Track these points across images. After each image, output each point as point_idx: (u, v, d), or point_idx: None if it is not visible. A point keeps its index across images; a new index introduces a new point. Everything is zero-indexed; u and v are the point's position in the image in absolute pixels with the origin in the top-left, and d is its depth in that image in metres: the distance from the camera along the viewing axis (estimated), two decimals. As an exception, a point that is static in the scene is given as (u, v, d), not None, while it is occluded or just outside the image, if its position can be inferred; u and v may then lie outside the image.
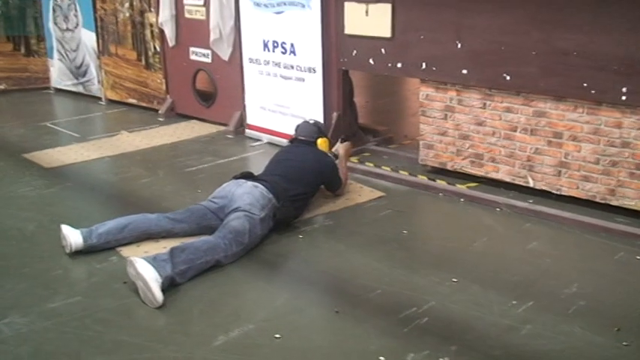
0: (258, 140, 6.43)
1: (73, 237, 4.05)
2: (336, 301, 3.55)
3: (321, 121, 5.76)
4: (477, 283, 3.69)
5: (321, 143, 4.97)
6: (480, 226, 4.49)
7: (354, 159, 5.77)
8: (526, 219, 4.56)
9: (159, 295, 3.47)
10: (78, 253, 4.05)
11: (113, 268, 3.89)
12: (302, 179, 4.56)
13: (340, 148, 5.15)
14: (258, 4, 6.06)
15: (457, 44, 4.91)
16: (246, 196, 4.18)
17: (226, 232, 3.96)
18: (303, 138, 4.97)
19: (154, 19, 7.22)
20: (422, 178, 5.31)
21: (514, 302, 3.49)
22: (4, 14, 8.66)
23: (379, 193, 5.04)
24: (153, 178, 5.52)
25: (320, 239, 4.30)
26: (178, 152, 6.21)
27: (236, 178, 4.47)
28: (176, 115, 7.40)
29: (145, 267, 3.53)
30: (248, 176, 4.47)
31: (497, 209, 4.73)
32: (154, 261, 3.59)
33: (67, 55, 8.48)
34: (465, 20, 4.84)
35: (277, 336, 3.20)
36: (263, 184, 4.31)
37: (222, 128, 6.84)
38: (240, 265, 3.92)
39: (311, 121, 5.10)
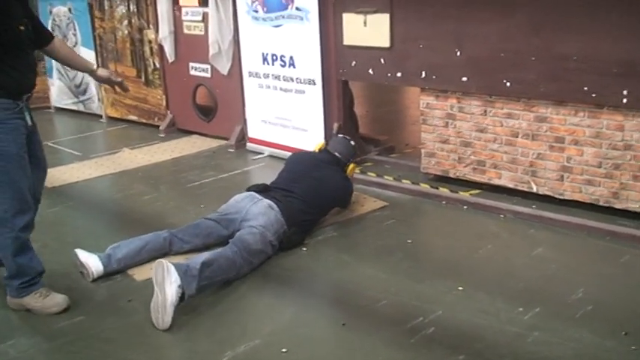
0: (259, 153, 6.43)
1: (94, 264, 3.95)
2: (343, 313, 3.54)
3: (322, 132, 5.76)
4: (483, 291, 3.68)
5: (351, 169, 4.94)
6: (484, 233, 4.48)
7: (356, 169, 5.75)
8: (530, 225, 4.55)
9: (168, 322, 3.39)
10: (78, 277, 4.04)
11: (117, 286, 3.89)
12: (320, 205, 4.52)
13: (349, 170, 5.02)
14: (256, 19, 6.07)
15: (456, 52, 4.91)
16: (261, 218, 4.12)
17: (242, 249, 3.90)
18: (337, 155, 4.88)
19: (152, 36, 7.24)
20: (424, 187, 5.30)
21: (521, 309, 3.48)
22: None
23: (382, 203, 5.03)
24: (156, 194, 5.52)
25: (324, 251, 4.29)
26: (180, 168, 6.21)
27: (250, 190, 4.41)
28: (177, 130, 7.40)
29: (172, 287, 3.38)
30: (263, 190, 4.39)
31: (501, 216, 4.71)
32: (184, 275, 3.45)
33: (66, 74, 8.50)
34: (464, 28, 4.85)
35: (284, 350, 3.18)
36: (278, 206, 4.22)
37: (223, 142, 6.84)
38: (244, 280, 3.90)
39: (351, 142, 5.01)
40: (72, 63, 4.05)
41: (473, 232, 4.52)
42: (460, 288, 3.71)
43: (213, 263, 3.68)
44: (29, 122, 3.59)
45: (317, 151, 5.02)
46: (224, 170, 6.05)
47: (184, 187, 5.67)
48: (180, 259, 3.88)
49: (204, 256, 3.72)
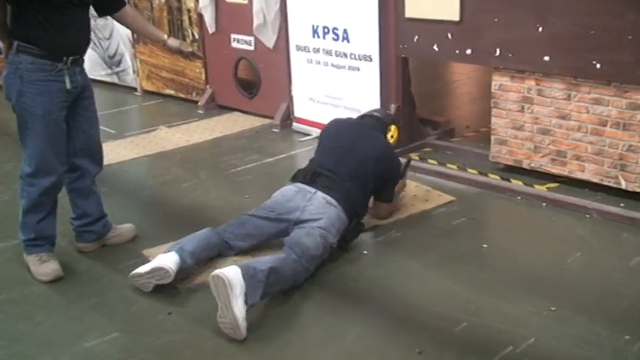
0: (307, 135, 5.89)
1: (169, 259, 3.40)
2: (416, 337, 3.03)
3: (378, 114, 5.21)
4: (580, 312, 3.14)
5: (394, 130, 4.41)
6: (570, 237, 3.92)
7: (414, 155, 5.21)
8: (622, 227, 3.98)
9: (244, 334, 3.02)
10: (112, 280, 3.58)
11: (154, 296, 3.40)
12: (374, 181, 3.93)
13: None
14: (306, -14, 5.51)
15: (538, 27, 4.30)
16: (322, 219, 3.60)
17: (301, 255, 3.41)
18: (377, 114, 4.35)
19: (192, 5, 6.70)
20: (495, 178, 4.74)
21: (627, 337, 2.95)
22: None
23: (448, 197, 4.49)
24: (195, 181, 5.03)
25: (388, 256, 3.77)
26: (221, 150, 5.71)
27: (296, 180, 3.89)
28: (217, 106, 6.88)
29: (239, 301, 3.00)
30: (312, 179, 3.82)
31: (587, 216, 4.15)
32: (250, 279, 3.06)
33: (100, 44, 8.01)
34: (546, 1, 4.24)
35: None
36: (337, 200, 3.70)
37: (266, 121, 6.31)
38: (300, 292, 3.41)
39: (388, 111, 4.56)
40: (143, 31, 4.04)
41: (556, 235, 3.96)
42: (552, 308, 3.18)
43: (279, 271, 3.25)
44: (68, 86, 3.45)
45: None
46: (269, 154, 5.53)
47: (226, 172, 5.17)
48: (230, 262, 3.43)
49: (271, 261, 3.28)
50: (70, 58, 3.44)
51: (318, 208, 3.65)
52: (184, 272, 3.48)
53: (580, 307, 3.18)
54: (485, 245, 3.83)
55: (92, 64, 8.21)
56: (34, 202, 3.55)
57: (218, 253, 3.68)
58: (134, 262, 3.72)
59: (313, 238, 3.49)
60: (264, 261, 3.27)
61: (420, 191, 4.60)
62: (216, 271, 3.03)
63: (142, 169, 5.37)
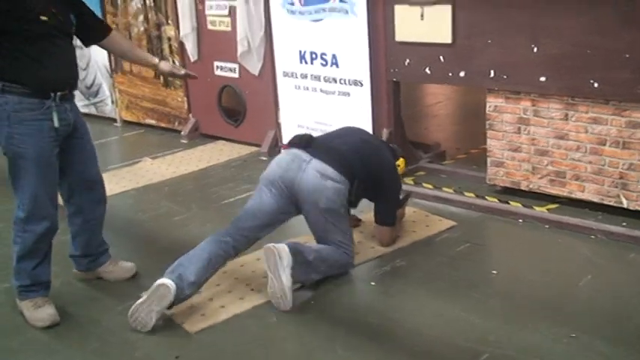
0: (296, 162, 5.78)
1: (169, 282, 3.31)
2: (437, 372, 2.93)
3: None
4: (600, 338, 3.07)
5: (402, 162, 4.42)
6: (577, 259, 3.86)
7: (408, 180, 5.14)
8: (628, 247, 3.93)
9: (290, 304, 3.39)
10: (112, 323, 3.44)
11: (158, 339, 3.26)
12: (369, 170, 3.83)
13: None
14: (292, 12, 5.43)
15: (533, 48, 4.28)
16: (318, 195, 3.57)
17: (333, 244, 3.67)
18: (391, 145, 4.36)
19: (172, 33, 6.59)
20: (492, 201, 4.68)
21: (652, 361, 2.87)
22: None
23: (449, 222, 4.41)
24: (187, 214, 4.90)
25: (396, 286, 3.67)
26: (210, 180, 5.58)
27: (292, 144, 3.80)
28: (200, 135, 6.76)
29: (286, 271, 3.36)
30: (309, 142, 3.76)
31: (592, 236, 4.09)
32: (297, 256, 3.41)
33: (76, 75, 7.85)
34: (541, 21, 4.21)
35: None
36: (333, 167, 3.61)
37: (253, 149, 6.21)
38: (310, 327, 3.30)
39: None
40: (132, 57, 3.91)
41: (564, 258, 3.90)
42: (573, 335, 3.10)
43: (323, 255, 3.59)
44: (56, 124, 3.30)
45: None
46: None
47: (218, 204, 5.04)
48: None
49: (317, 246, 3.65)
50: (59, 93, 3.30)
51: (314, 185, 3.58)
52: (181, 300, 3.38)
53: (599, 332, 3.11)
54: (494, 271, 3.76)
55: (68, 96, 8.05)
56: (29, 249, 3.41)
57: (224, 263, 3.61)
58: (132, 303, 3.57)
59: (334, 232, 3.65)
60: (311, 245, 3.62)
61: (419, 217, 4.52)
62: (269, 244, 3.38)
63: (131, 203, 5.21)
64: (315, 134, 5.31)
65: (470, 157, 5.61)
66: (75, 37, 3.52)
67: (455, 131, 6.59)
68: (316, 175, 3.59)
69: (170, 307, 3.34)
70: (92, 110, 7.86)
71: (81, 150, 3.56)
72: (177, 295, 3.30)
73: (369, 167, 3.83)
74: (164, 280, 3.29)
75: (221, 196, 5.20)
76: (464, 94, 7.59)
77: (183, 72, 3.87)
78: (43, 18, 3.20)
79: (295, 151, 3.73)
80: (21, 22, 3.15)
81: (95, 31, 3.63)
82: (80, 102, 7.76)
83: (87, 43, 3.73)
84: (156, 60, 3.82)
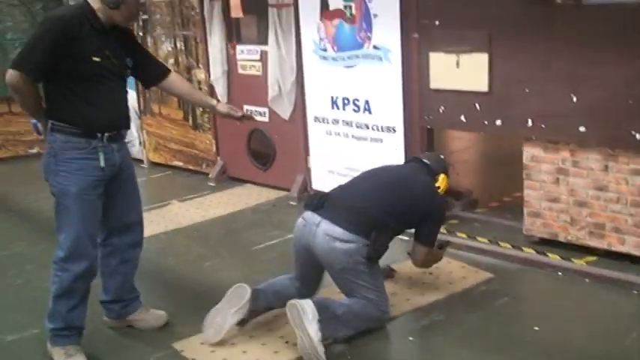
0: (326, 207, 5.71)
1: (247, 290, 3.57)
2: None
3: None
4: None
5: (442, 180, 4.03)
6: (620, 315, 3.74)
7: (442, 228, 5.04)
8: (672, 303, 3.82)
9: (323, 357, 3.31)
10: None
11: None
12: (400, 210, 3.69)
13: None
14: (325, 58, 5.42)
15: (572, 98, 4.21)
16: (330, 258, 3.54)
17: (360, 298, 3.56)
18: (426, 161, 4.06)
19: (202, 76, 6.60)
20: (530, 253, 4.57)
21: None
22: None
23: (486, 274, 4.31)
24: (217, 260, 4.83)
25: (436, 342, 3.56)
26: (239, 225, 5.53)
27: (306, 206, 3.75)
28: (228, 178, 6.72)
29: (312, 324, 3.30)
30: (321, 203, 3.65)
31: (634, 291, 3.98)
32: (323, 310, 3.36)
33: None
34: (581, 70, 4.15)
35: None
36: (342, 227, 3.50)
37: (282, 194, 6.15)
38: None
39: (441, 155, 4.31)
40: (191, 98, 3.93)
41: (607, 314, 3.78)
42: (625, 399, 2.98)
43: (353, 309, 3.51)
44: (102, 164, 3.32)
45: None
46: (289, 229, 5.24)
47: (248, 250, 4.98)
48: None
49: (345, 301, 3.57)
50: (106, 134, 3.33)
51: (325, 250, 3.53)
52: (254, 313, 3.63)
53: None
54: (536, 327, 3.63)
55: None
56: (66, 289, 3.38)
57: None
58: (164, 354, 3.52)
59: (359, 289, 3.55)
60: (341, 300, 3.56)
61: (454, 267, 4.42)
62: (292, 300, 3.37)
63: (160, 247, 5.15)
64: (345, 180, 5.30)
65: (503, 205, 5.51)
66: (135, 78, 3.65)
67: (485, 178, 6.51)
68: (325, 237, 3.52)
69: (243, 321, 3.58)
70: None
71: (125, 191, 3.55)
72: (253, 301, 3.54)
73: (398, 207, 3.70)
74: (241, 283, 3.57)
75: (251, 241, 5.13)
76: (490, 139, 7.51)
77: (240, 113, 3.84)
78: (96, 59, 3.24)
79: (308, 214, 3.68)
80: (73, 62, 3.20)
81: (154, 73, 3.67)
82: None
83: (146, 85, 3.81)
84: (214, 102, 3.83)
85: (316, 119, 5.67)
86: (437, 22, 4.72)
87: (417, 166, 4.05)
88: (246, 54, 6.15)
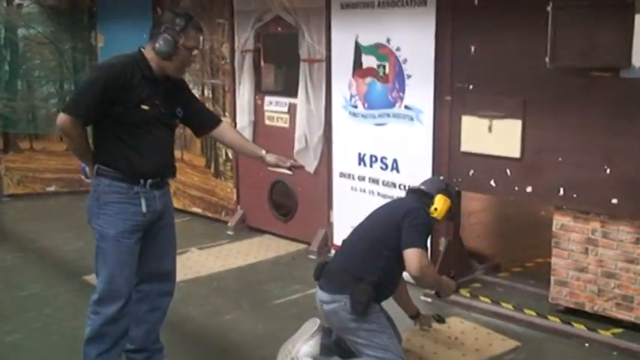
0: (346, 263, 5.67)
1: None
2: None
3: (428, 250, 5.00)
4: None
5: (439, 200, 3.67)
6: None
7: (464, 291, 5.01)
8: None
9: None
10: None
11: None
12: (378, 246, 3.59)
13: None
14: (354, 115, 5.45)
15: (606, 169, 4.22)
16: (328, 322, 3.73)
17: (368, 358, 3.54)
18: (422, 188, 3.81)
19: (228, 125, 6.63)
20: (556, 321, 4.52)
21: None
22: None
23: (513, 343, 4.26)
24: (238, 312, 4.78)
25: (465, 411, 3.50)
26: (259, 277, 5.49)
27: (316, 277, 3.79)
28: (247, 228, 6.70)
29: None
30: (319, 272, 3.75)
31: (663, 368, 3.92)
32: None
33: (125, 158, 7.91)
34: (616, 142, 4.17)
35: None
36: (332, 293, 3.58)
37: (301, 247, 6.13)
38: None
39: (441, 177, 4.28)
40: (241, 148, 3.91)
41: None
42: None
43: None
44: (144, 209, 3.35)
45: None
46: (310, 284, 5.19)
47: (270, 304, 4.93)
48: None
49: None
50: (149, 181, 3.35)
51: (323, 316, 3.71)
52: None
53: None
54: (566, 402, 3.58)
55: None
56: (97, 332, 3.38)
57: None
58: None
59: (362, 348, 3.55)
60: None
61: (480, 334, 4.37)
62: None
63: (180, 297, 5.00)
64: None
65: (525, 270, 5.48)
66: (186, 126, 3.71)
67: (507, 241, 6.44)
68: (320, 305, 3.68)
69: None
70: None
71: (162, 239, 3.55)
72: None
73: (383, 251, 3.60)
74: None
75: (272, 294, 5.09)
76: (506, 204, 7.49)
77: (289, 164, 3.86)
78: (144, 107, 3.29)
79: (318, 292, 3.74)
80: (122, 109, 3.25)
81: (206, 124, 3.71)
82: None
83: (197, 134, 3.85)
84: (263, 152, 3.81)
85: (342, 174, 5.67)
86: (470, 87, 4.75)
87: (410, 197, 3.85)
88: (275, 105, 6.19)
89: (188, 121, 3.63)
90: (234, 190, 6.77)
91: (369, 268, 3.57)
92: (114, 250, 3.33)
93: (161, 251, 3.57)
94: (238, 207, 6.77)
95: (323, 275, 3.70)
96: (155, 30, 3.33)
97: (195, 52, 3.41)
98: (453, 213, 3.89)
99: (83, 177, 3.79)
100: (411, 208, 3.62)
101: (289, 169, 3.90)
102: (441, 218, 3.71)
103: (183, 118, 3.57)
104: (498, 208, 7.35)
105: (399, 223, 3.56)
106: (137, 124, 3.29)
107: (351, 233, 3.87)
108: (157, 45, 3.29)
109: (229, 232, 6.65)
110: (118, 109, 3.24)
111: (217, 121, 3.73)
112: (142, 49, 3.37)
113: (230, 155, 6.70)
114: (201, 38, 3.43)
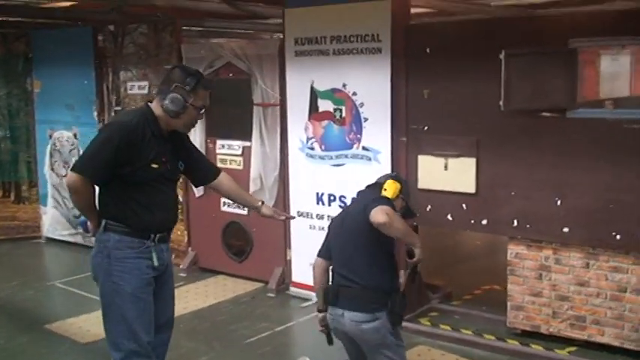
0: (306, 299, 5.84)
1: None
2: None
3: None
4: None
5: (388, 184, 3.68)
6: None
7: (424, 321, 5.28)
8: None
9: None
10: None
11: None
12: (372, 250, 3.63)
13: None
14: (312, 156, 5.67)
15: (556, 201, 4.60)
16: (364, 338, 3.59)
17: None
18: (377, 181, 3.83)
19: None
20: (515, 344, 4.85)
21: None
22: (-5, 158, 8.08)
23: (481, 367, 4.55)
24: (212, 354, 4.87)
25: None
26: (224, 318, 5.58)
27: (328, 302, 3.69)
28: (199, 269, 6.77)
29: None
30: (336, 294, 3.63)
31: (619, 381, 4.30)
32: None
33: (64, 203, 7.82)
34: (565, 176, 4.56)
35: None
36: (365, 311, 3.54)
37: (258, 285, 6.26)
38: None
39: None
40: (238, 198, 3.97)
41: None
42: None
43: None
44: (156, 263, 3.43)
45: None
46: (276, 321, 5.44)
47: (241, 344, 5.04)
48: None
49: None
50: (158, 235, 3.44)
51: (356, 334, 3.57)
52: None
53: None
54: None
55: (53, 223, 8.01)
56: None
57: None
58: None
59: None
60: None
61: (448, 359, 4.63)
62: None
63: (150, 341, 5.13)
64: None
65: (475, 297, 5.81)
66: (185, 177, 3.81)
67: (452, 271, 6.77)
68: (352, 324, 3.63)
69: None
70: (78, 239, 7.74)
71: (165, 290, 3.61)
72: None
73: (379, 252, 3.67)
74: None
75: (242, 334, 5.19)
76: (448, 232, 7.86)
77: (283, 217, 4.01)
78: (154, 166, 3.35)
79: (331, 309, 3.68)
80: (132, 168, 3.30)
81: (206, 176, 3.80)
82: (65, 231, 7.82)
83: (197, 184, 3.99)
84: (259, 203, 3.86)
85: (300, 214, 5.85)
86: (426, 128, 5.07)
87: (364, 192, 3.86)
88: (227, 149, 6.34)
89: (189, 173, 3.72)
90: (185, 232, 6.83)
91: (384, 275, 3.64)
92: (133, 307, 3.36)
93: (163, 302, 3.62)
94: (189, 249, 6.84)
95: (343, 297, 3.60)
96: (164, 87, 3.41)
97: (204, 110, 3.50)
98: (410, 209, 3.89)
99: (82, 231, 3.80)
100: (369, 201, 3.58)
101: (283, 221, 3.98)
102: (394, 197, 3.67)
103: (184, 171, 3.66)
104: (444, 237, 7.68)
105: (368, 218, 3.55)
106: (146, 181, 3.35)
107: (336, 251, 3.76)
108: (166, 103, 3.35)
109: (182, 274, 6.67)
110: (128, 169, 3.29)
111: (217, 173, 3.81)
112: (150, 105, 3.45)
113: (180, 198, 6.75)
114: (209, 96, 3.51)
